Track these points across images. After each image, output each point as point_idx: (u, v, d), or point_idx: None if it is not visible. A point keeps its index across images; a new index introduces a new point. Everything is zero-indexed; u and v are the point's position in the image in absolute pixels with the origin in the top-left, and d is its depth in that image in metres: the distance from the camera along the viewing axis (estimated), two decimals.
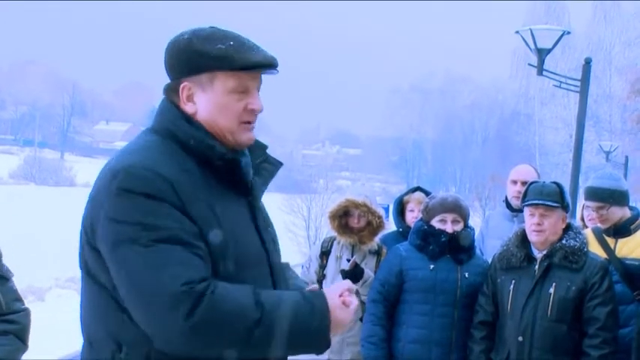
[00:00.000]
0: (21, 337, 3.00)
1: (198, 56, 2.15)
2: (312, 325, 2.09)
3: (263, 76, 2.26)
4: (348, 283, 2.22)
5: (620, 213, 4.58)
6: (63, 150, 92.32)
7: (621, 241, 4.58)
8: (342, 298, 2.15)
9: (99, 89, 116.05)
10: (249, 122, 2.22)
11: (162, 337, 1.98)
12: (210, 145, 2.15)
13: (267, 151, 2.38)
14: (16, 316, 2.99)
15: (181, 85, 2.19)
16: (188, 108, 2.19)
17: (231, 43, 2.15)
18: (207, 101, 2.18)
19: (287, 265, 2.53)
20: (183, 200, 2.04)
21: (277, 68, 2.24)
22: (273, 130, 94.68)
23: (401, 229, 5.33)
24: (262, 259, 2.23)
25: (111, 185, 2.04)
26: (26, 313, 3.05)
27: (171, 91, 2.22)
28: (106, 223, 2.03)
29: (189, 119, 2.19)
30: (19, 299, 3.05)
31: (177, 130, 2.18)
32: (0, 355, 2.90)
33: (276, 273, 2.27)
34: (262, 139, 2.39)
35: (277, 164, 2.39)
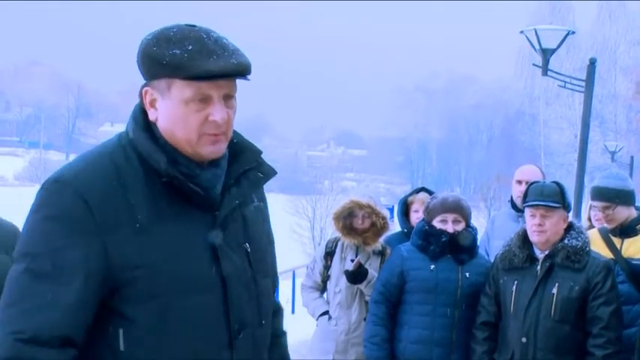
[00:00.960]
0: None
1: (152, 61, 1.98)
2: None
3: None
4: None
5: (626, 213, 4.57)
6: (68, 152, 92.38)
7: (628, 241, 4.57)
8: None
9: (104, 91, 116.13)
10: (213, 134, 2.01)
11: None
12: (156, 160, 2.00)
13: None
14: None
15: (143, 90, 2.04)
16: (151, 114, 2.04)
17: (190, 47, 1.95)
18: (166, 109, 2.00)
19: (278, 307, 2.38)
20: (99, 222, 1.91)
21: (247, 74, 2.02)
22: (277, 131, 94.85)
23: (405, 230, 5.32)
24: (212, 283, 2.03)
25: (39, 192, 1.99)
26: None
27: (141, 94, 2.07)
28: (23, 225, 2.00)
29: (152, 126, 2.04)
30: None
31: (134, 138, 2.04)
32: None
33: (233, 297, 2.06)
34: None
35: (269, 174, 2.19)
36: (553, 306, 4.13)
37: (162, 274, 1.95)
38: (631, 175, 24.01)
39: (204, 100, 1.99)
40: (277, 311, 2.39)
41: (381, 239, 5.02)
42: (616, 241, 4.60)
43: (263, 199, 2.30)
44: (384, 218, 4.92)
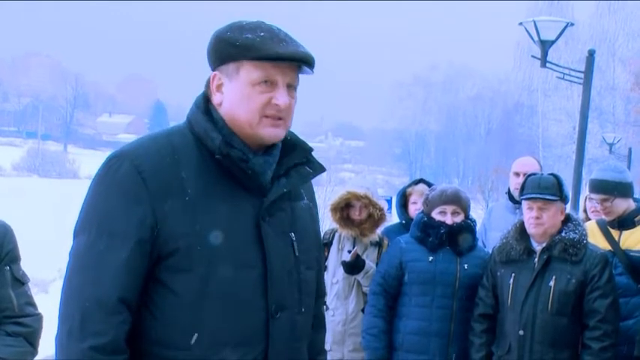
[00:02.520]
0: (31, 340, 3.01)
1: (226, 45, 2.12)
2: None
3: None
4: None
5: (624, 205, 4.57)
6: (66, 142, 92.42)
7: (626, 233, 4.57)
8: None
9: (102, 82, 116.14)
10: (275, 118, 2.13)
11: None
12: (211, 137, 2.11)
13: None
14: (28, 320, 3.00)
15: (212, 75, 2.18)
16: (216, 98, 2.17)
17: (262, 34, 2.11)
18: (232, 91, 2.14)
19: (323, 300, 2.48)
20: (151, 192, 2.03)
21: (312, 68, 2.17)
22: None
23: (404, 222, 5.33)
24: (255, 262, 2.12)
25: (98, 170, 2.12)
26: (38, 317, 3.06)
27: (207, 83, 2.21)
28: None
29: (210, 111, 2.17)
30: (32, 304, 3.06)
31: (193, 121, 2.18)
32: (8, 355, 2.90)
33: (273, 278, 2.14)
34: None
35: (317, 170, 2.30)
36: (550, 299, 4.14)
37: (205, 246, 2.05)
38: (629, 166, 24.05)
39: (270, 84, 2.12)
40: (320, 296, 2.48)
41: (379, 230, 5.02)
42: (614, 232, 4.61)
43: (313, 200, 2.42)
44: (381, 209, 4.92)
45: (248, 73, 2.11)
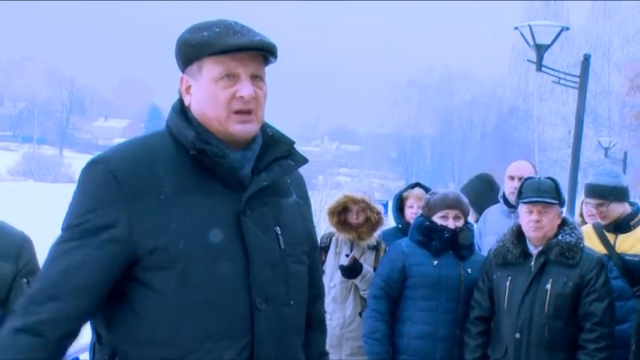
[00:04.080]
0: None
1: (185, 46, 2.15)
2: None
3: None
4: None
5: (620, 209, 4.58)
6: (62, 146, 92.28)
7: (621, 237, 4.58)
8: None
9: (97, 86, 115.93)
10: (243, 112, 2.13)
11: None
12: (184, 135, 2.13)
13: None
14: None
15: (179, 78, 2.20)
16: (186, 100, 2.19)
17: (217, 30, 2.12)
18: (198, 91, 2.15)
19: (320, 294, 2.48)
20: (126, 194, 2.06)
21: (273, 54, 2.16)
22: None
23: (400, 225, 5.33)
24: (236, 256, 2.11)
25: (79, 175, 2.16)
26: None
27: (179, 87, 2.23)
28: None
29: (187, 112, 2.18)
30: None
31: (169, 122, 2.21)
32: None
33: (255, 272, 2.12)
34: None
35: (300, 161, 2.30)
36: (547, 302, 4.14)
37: (183, 243, 2.06)
38: (624, 170, 24.10)
39: (232, 78, 2.12)
40: (318, 296, 2.48)
41: (376, 234, 5.02)
42: (610, 236, 4.61)
43: (305, 199, 2.41)
44: (378, 213, 4.92)
45: (209, 70, 2.12)
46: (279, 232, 2.21)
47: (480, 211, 5.84)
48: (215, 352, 2.08)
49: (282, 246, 2.21)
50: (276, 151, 2.24)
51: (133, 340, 2.08)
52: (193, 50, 2.13)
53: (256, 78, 2.16)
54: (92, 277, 2.05)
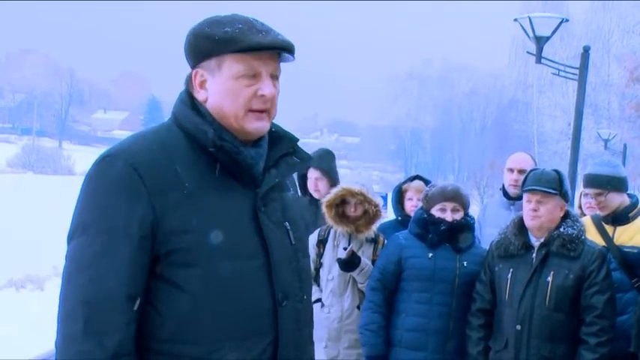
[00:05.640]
0: None
1: (205, 41, 2.11)
2: None
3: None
4: None
5: (618, 200, 4.58)
6: (61, 138, 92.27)
7: (620, 229, 4.58)
8: None
9: (96, 78, 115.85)
10: (260, 111, 2.14)
11: None
12: (203, 131, 2.10)
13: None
14: None
15: (193, 72, 2.16)
16: (200, 95, 2.16)
17: (240, 26, 2.10)
18: (216, 87, 2.13)
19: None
20: (149, 188, 2.01)
21: (293, 54, 2.17)
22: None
23: (400, 218, 5.32)
24: (256, 253, 2.12)
25: (90, 170, 2.08)
26: None
27: (188, 80, 2.20)
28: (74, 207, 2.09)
29: (198, 106, 2.15)
30: None
31: (180, 117, 2.16)
32: None
33: (276, 267, 2.15)
34: None
35: (305, 159, 2.31)
36: (548, 294, 4.14)
37: (207, 240, 2.04)
38: (624, 162, 24.10)
39: (254, 76, 2.12)
40: None
41: (374, 227, 5.02)
42: (608, 228, 4.61)
43: (297, 192, 2.44)
44: (376, 206, 4.91)
45: (230, 66, 2.10)
46: (289, 228, 2.24)
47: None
48: (240, 350, 2.08)
49: (293, 241, 2.24)
50: (281, 148, 2.26)
51: (155, 338, 2.05)
52: (215, 45, 2.10)
53: (273, 77, 2.16)
54: (137, 280, 2.01)
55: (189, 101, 2.17)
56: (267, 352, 2.12)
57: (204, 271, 2.03)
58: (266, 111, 2.15)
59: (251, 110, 2.13)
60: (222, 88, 2.12)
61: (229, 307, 2.06)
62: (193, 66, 2.17)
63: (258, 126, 2.15)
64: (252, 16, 2.16)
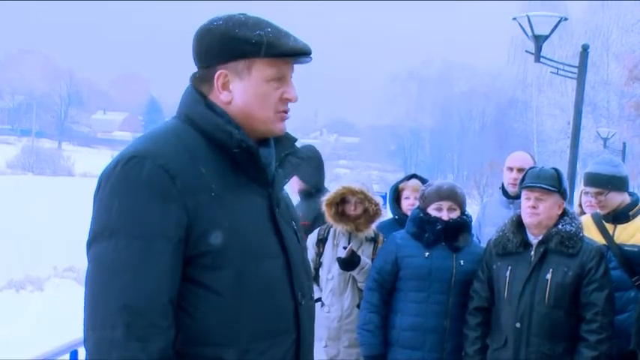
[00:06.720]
0: None
1: (236, 42, 2.09)
2: None
3: None
4: None
5: (619, 199, 4.58)
6: (60, 140, 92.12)
7: (620, 227, 4.58)
8: None
9: (95, 78, 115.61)
10: (284, 112, 2.18)
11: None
12: (228, 132, 2.09)
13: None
14: None
15: (217, 73, 2.12)
16: (223, 97, 2.13)
17: (269, 29, 2.11)
18: (244, 89, 2.12)
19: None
20: (180, 188, 1.98)
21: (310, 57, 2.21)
22: None
23: (397, 217, 5.32)
24: (277, 252, 2.14)
25: (112, 172, 2.02)
26: None
27: (201, 79, 2.16)
28: (95, 208, 2.03)
29: (212, 106, 2.13)
30: None
31: (196, 117, 2.12)
32: None
33: (294, 267, 2.17)
34: None
35: (304, 159, 2.35)
36: (547, 291, 4.14)
37: (237, 240, 2.04)
38: (623, 161, 24.07)
39: (280, 80, 2.15)
40: None
41: (374, 226, 5.02)
42: (609, 227, 4.62)
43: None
44: (376, 205, 4.91)
45: (263, 70, 2.11)
46: (295, 227, 2.29)
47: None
48: (270, 351, 2.09)
49: (300, 241, 2.29)
50: (283, 148, 2.27)
51: (186, 341, 2.01)
52: (250, 48, 2.08)
53: (291, 79, 2.21)
54: (175, 284, 1.98)
55: (204, 101, 2.15)
56: (290, 350, 2.15)
57: (236, 273, 2.03)
58: (287, 112, 2.20)
59: (277, 112, 2.17)
60: (253, 91, 2.12)
61: (261, 307, 2.07)
62: (212, 66, 2.13)
63: (282, 127, 2.20)
64: (266, 18, 2.17)
